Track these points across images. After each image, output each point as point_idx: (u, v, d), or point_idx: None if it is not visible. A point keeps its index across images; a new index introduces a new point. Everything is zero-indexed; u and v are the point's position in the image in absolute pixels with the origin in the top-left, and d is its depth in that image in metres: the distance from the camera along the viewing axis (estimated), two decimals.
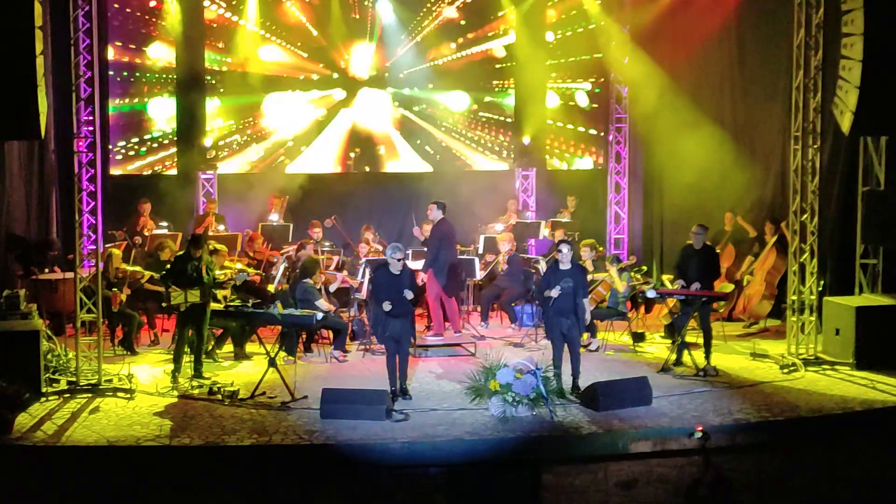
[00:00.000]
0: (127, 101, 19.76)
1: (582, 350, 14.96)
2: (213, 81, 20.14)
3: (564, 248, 13.39)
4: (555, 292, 13.04)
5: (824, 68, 14.55)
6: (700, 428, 11.39)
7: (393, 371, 12.98)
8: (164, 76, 19.93)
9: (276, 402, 12.71)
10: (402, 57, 20.87)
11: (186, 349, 14.03)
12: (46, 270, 16.37)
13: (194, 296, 13.76)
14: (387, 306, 12.77)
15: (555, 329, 13.26)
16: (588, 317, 13.51)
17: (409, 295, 12.83)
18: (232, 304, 14.72)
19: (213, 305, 14.34)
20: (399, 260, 12.98)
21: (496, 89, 21.37)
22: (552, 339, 13.41)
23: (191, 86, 19.96)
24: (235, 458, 11.06)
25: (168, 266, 14.32)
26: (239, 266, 16.13)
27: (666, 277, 15.95)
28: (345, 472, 11.05)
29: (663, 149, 20.37)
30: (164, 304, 14.10)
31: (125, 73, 19.71)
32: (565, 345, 13.27)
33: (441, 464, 11.13)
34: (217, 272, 14.90)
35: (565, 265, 13.30)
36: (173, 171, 20.25)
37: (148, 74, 19.86)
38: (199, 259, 13.86)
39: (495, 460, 11.19)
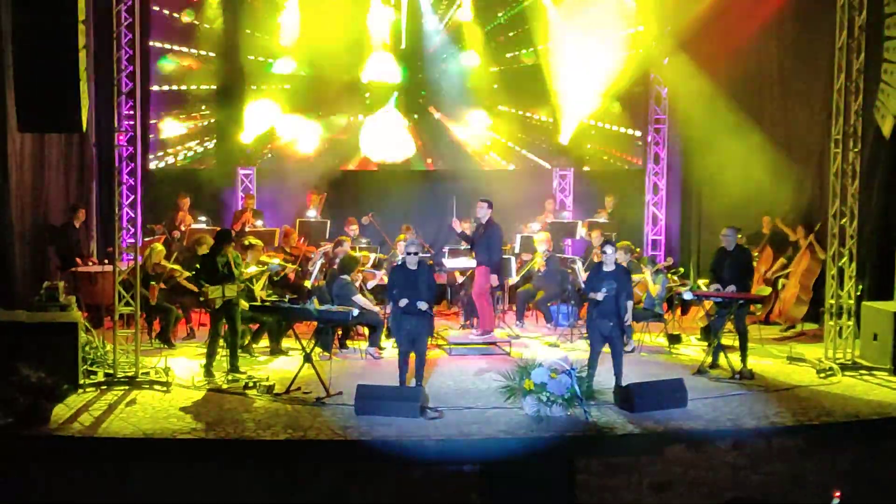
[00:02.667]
0: (168, 95, 19.96)
1: None
2: (255, 76, 20.23)
3: (608, 249, 13.26)
4: (600, 295, 12.96)
5: (866, 71, 14.46)
6: (837, 495, 11.11)
7: (404, 369, 12.98)
8: (205, 70, 20.06)
9: (311, 397, 12.76)
10: (445, 61, 20.91)
11: (221, 343, 14.12)
12: (90, 263, 16.53)
13: (231, 290, 13.83)
14: (402, 302, 12.75)
15: (595, 331, 13.19)
16: (630, 318, 13.47)
17: (422, 306, 12.75)
18: (269, 299, 14.78)
19: (243, 304, 14.43)
20: (414, 255, 12.95)
21: (535, 88, 21.27)
22: (591, 340, 13.34)
23: (231, 80, 20.03)
24: (270, 452, 11.12)
25: (198, 265, 14.38)
26: (276, 262, 16.16)
27: (703, 282, 15.88)
28: (379, 469, 11.07)
29: (702, 150, 20.28)
30: (201, 299, 14.20)
31: (166, 68, 19.89)
32: (605, 346, 13.19)
33: (475, 462, 11.13)
34: (252, 267, 15.03)
35: (609, 266, 13.18)
36: (213, 166, 20.37)
37: (188, 70, 20.00)
38: (225, 255, 13.92)
39: (529, 459, 11.18)
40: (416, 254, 12.97)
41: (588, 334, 13.65)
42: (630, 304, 13.30)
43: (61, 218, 17.32)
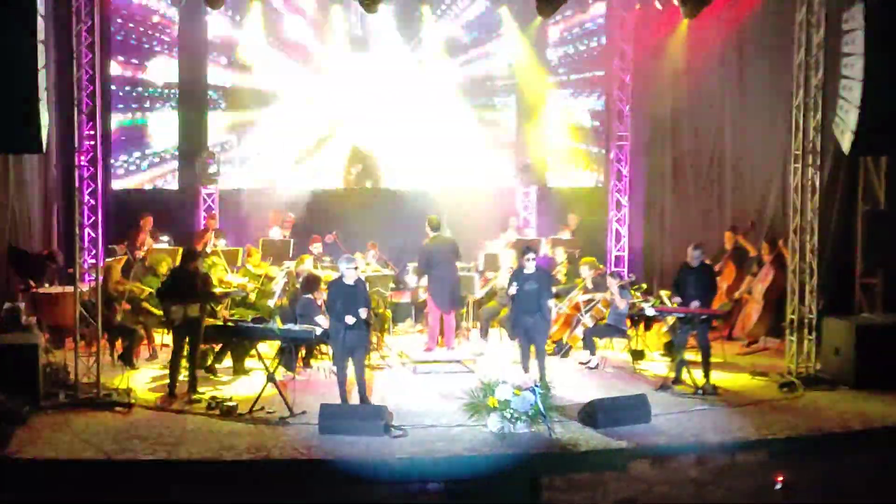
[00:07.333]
0: (129, 115, 19.88)
1: (581, 365, 15.21)
2: (216, 96, 20.23)
3: (530, 255, 14.29)
4: (512, 289, 14.04)
5: (825, 88, 14.57)
6: (780, 479, 11.22)
7: (343, 384, 13.09)
8: (167, 91, 19.99)
9: (274, 416, 12.72)
10: (404, 73, 20.88)
11: (184, 363, 14.05)
12: (46, 285, 16.38)
13: (194, 310, 13.77)
14: (349, 320, 12.81)
15: (518, 328, 14.28)
16: (552, 315, 14.32)
17: (362, 313, 12.86)
18: (231, 318, 14.71)
19: (209, 321, 14.37)
20: (354, 269, 13.14)
21: (497, 107, 21.35)
22: (517, 337, 14.40)
23: (193, 100, 20.03)
24: (234, 472, 11.05)
25: (162, 283, 14.32)
26: (240, 280, 16.07)
27: (664, 293, 15.94)
28: (343, 488, 11.03)
29: (664, 167, 20.40)
30: (163, 319, 14.13)
31: (127, 88, 19.82)
32: (531, 345, 14.09)
33: (439, 480, 11.11)
34: (217, 288, 14.97)
35: (530, 270, 14.15)
36: (175, 186, 20.29)
37: (150, 90, 19.96)
38: (192, 273, 13.85)
39: (494, 477, 11.16)
40: (355, 268, 13.26)
41: (511, 332, 14.88)
42: (551, 302, 14.34)
43: (25, 239, 17.14)
